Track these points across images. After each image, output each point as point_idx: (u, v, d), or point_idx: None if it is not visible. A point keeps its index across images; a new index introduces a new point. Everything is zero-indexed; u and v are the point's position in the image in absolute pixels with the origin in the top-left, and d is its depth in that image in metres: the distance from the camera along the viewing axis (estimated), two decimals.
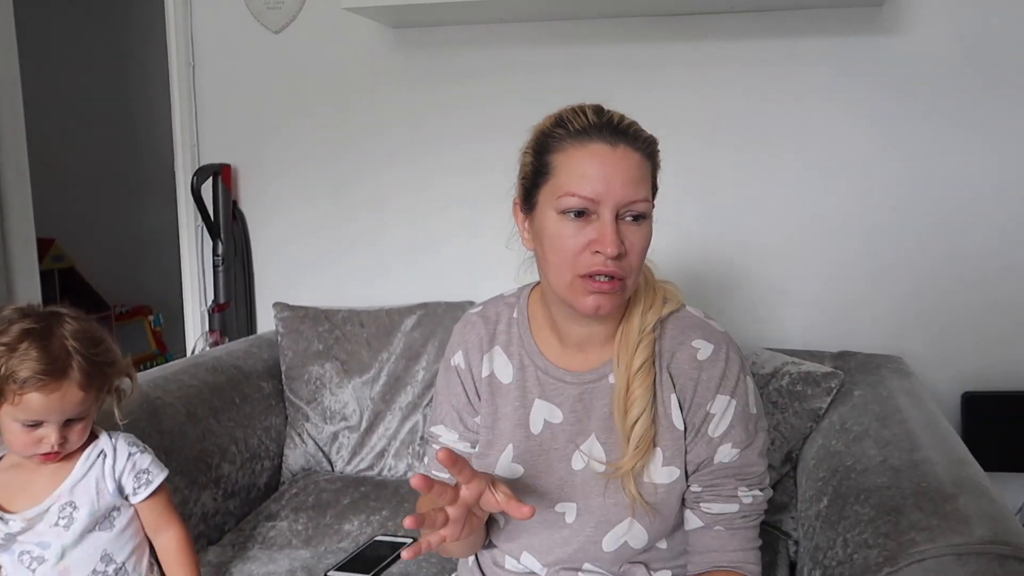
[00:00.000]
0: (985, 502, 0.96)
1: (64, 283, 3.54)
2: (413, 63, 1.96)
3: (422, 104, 1.97)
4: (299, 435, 1.74)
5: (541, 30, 1.86)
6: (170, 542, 1.16)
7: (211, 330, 2.10)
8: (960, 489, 1.00)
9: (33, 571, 1.07)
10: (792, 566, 1.39)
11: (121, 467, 1.12)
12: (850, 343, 1.76)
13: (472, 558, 1.10)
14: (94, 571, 1.09)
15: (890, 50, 1.70)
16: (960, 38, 1.66)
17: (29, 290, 2.70)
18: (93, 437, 1.14)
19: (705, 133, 1.80)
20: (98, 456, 1.11)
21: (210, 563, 1.33)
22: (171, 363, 1.65)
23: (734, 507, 0.97)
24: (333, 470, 1.75)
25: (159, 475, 1.14)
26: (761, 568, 0.99)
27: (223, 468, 1.52)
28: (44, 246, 2.93)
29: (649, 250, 0.99)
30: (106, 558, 1.10)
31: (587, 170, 0.89)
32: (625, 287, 0.92)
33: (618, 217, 0.89)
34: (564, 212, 0.90)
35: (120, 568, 1.11)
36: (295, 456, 1.73)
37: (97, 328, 1.11)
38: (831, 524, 1.10)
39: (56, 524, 1.08)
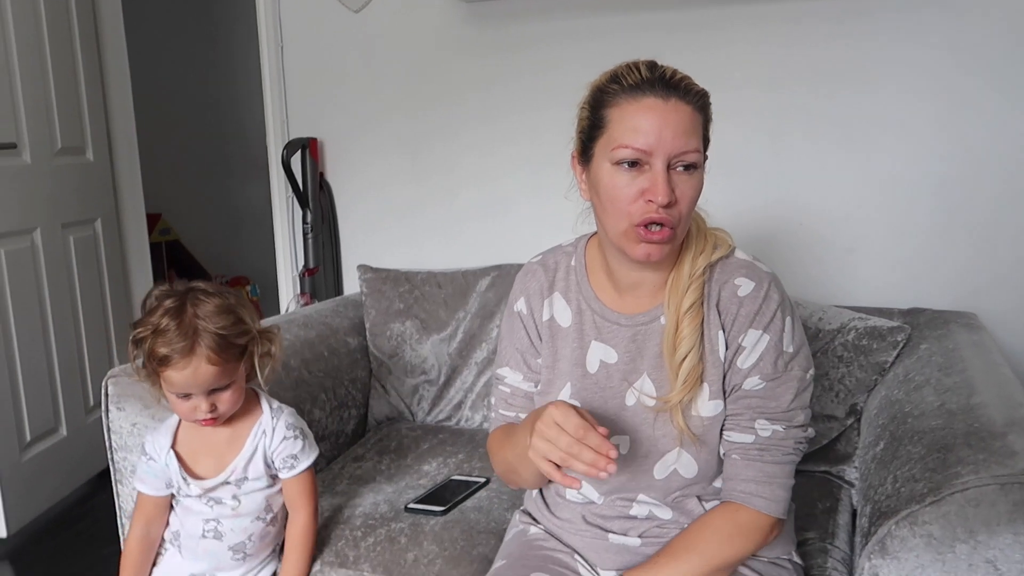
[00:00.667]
0: None
1: (171, 255, 3.82)
2: (483, 34, 2.03)
3: (492, 73, 2.05)
4: (382, 387, 1.87)
5: None
6: (295, 522, 1.27)
7: (302, 293, 2.26)
8: (1011, 428, 1.02)
9: (211, 507, 1.23)
10: (854, 514, 1.42)
11: (273, 448, 1.23)
12: (922, 301, 1.75)
13: (536, 491, 1.19)
14: (257, 517, 1.25)
15: (962, 2, 1.66)
16: None
17: (140, 261, 2.95)
18: (260, 410, 1.25)
19: (770, 93, 1.81)
20: (262, 435, 1.23)
21: None
22: (267, 319, 1.80)
23: (749, 438, 1.01)
24: (414, 420, 1.88)
25: (304, 461, 1.25)
26: (782, 507, 1.01)
27: (314, 414, 1.66)
28: (152, 221, 3.18)
29: (708, 203, 1.05)
30: (267, 507, 1.25)
31: (640, 123, 0.94)
32: (675, 236, 0.97)
33: (669, 167, 0.95)
34: (618, 163, 0.96)
35: (275, 516, 1.27)
36: (379, 406, 1.86)
37: (230, 301, 1.17)
38: (884, 464, 1.14)
39: (229, 484, 1.22)
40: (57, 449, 2.38)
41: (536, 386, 1.14)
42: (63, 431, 2.41)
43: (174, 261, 3.80)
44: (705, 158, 1.00)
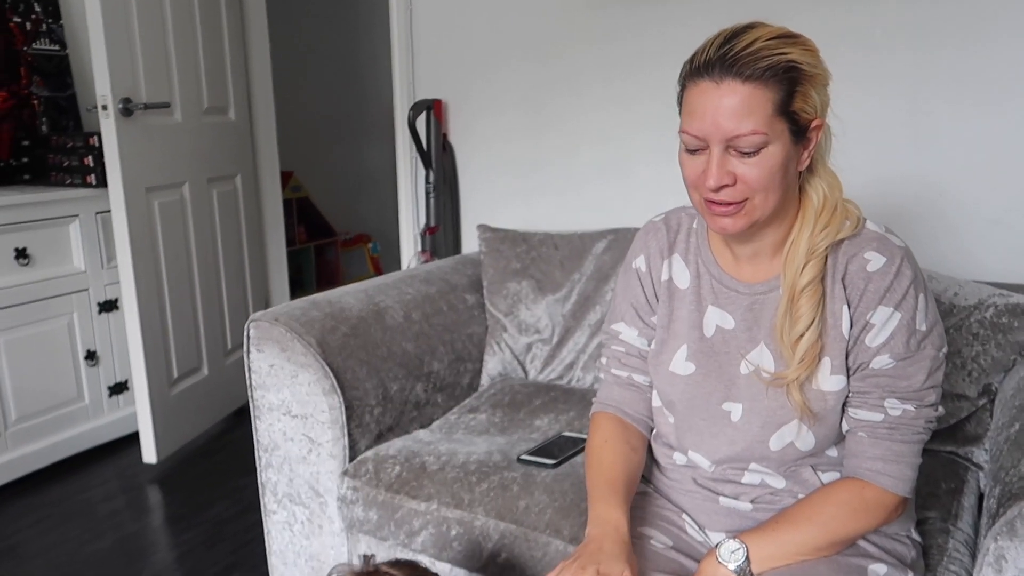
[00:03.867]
0: None
1: (300, 211, 4.02)
2: None
3: (615, 28, 2.02)
4: (497, 344, 1.93)
5: None
6: None
7: (423, 250, 2.34)
8: None
9: None
10: (981, 498, 1.36)
11: None
12: None
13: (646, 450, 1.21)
14: None
15: None
16: None
17: (274, 216, 3.13)
18: None
19: (913, 51, 1.71)
20: None
21: (421, 440, 1.55)
22: (391, 274, 1.89)
23: (878, 416, 0.99)
24: (527, 377, 1.93)
25: None
26: (909, 486, 0.99)
27: (433, 365, 1.74)
28: (285, 178, 3.36)
29: (840, 172, 1.01)
30: None
31: (695, 108, 0.93)
32: (750, 207, 0.94)
33: (729, 149, 0.92)
34: (683, 144, 0.96)
35: None
36: (493, 362, 1.92)
37: None
38: (1019, 446, 1.09)
39: None
40: (199, 387, 2.59)
41: (650, 343, 1.15)
42: (205, 371, 2.62)
43: (303, 217, 4.01)
44: (806, 128, 0.94)
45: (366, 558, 1.04)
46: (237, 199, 2.78)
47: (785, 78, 0.91)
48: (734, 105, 0.90)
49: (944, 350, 1.01)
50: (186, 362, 2.52)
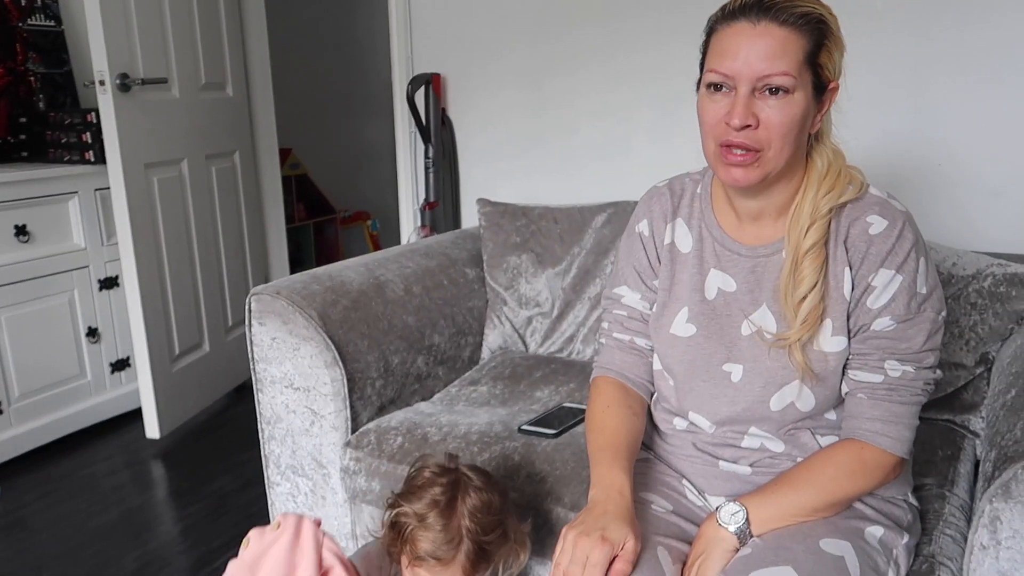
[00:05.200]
0: None
1: (299, 188, 4.01)
2: None
3: (616, 7, 2.01)
4: (498, 317, 1.94)
5: None
6: None
7: (422, 225, 2.34)
8: None
9: None
10: (977, 464, 1.38)
11: None
12: None
13: (647, 417, 1.22)
14: None
15: None
16: None
17: (273, 193, 3.12)
18: None
19: (917, 23, 1.70)
20: None
21: (422, 412, 1.57)
22: (391, 248, 1.89)
23: (878, 377, 1.00)
24: (527, 350, 1.94)
25: None
26: (907, 447, 1.01)
27: (434, 338, 1.75)
28: (283, 155, 3.34)
29: (840, 140, 1.02)
30: None
31: (727, 47, 0.94)
32: (764, 159, 0.96)
33: (756, 91, 0.93)
34: (708, 86, 0.97)
35: None
36: (494, 336, 1.93)
37: (496, 503, 1.10)
38: (1015, 411, 1.10)
39: None
40: (200, 363, 2.60)
41: (651, 307, 1.16)
42: (206, 347, 2.63)
43: (302, 195, 4.00)
44: (825, 86, 0.96)
45: (451, 456, 1.15)
46: (236, 176, 2.78)
47: (816, 29, 0.93)
48: (770, 46, 0.92)
49: (943, 313, 1.02)
50: (187, 339, 2.52)
